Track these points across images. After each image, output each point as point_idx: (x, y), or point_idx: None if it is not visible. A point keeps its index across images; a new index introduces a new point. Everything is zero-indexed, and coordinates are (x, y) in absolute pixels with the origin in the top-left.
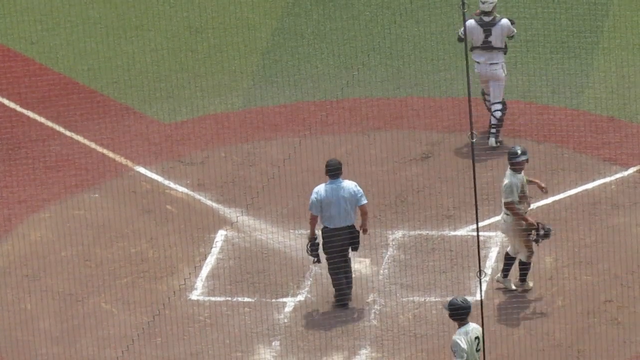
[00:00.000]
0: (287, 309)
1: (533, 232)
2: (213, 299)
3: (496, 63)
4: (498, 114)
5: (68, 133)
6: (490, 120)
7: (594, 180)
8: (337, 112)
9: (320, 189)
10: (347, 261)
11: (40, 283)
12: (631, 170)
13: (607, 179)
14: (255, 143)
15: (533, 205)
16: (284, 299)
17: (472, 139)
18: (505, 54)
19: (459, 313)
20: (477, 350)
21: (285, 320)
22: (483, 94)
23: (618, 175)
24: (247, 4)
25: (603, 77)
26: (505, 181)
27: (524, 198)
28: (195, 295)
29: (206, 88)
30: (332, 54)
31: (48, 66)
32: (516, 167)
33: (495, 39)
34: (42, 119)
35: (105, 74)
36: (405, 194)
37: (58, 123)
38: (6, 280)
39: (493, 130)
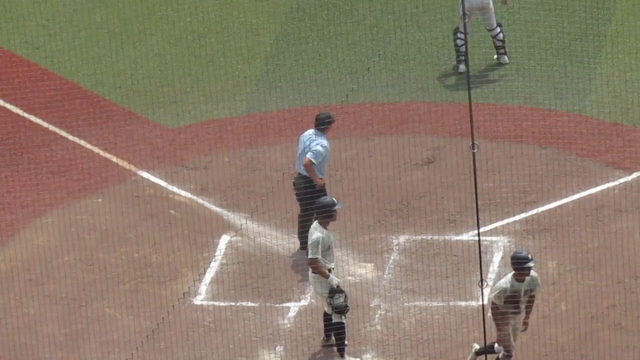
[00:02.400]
0: (291, 314)
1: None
2: (217, 303)
3: None
4: (500, 36)
5: (71, 138)
6: (494, 42)
7: (597, 185)
8: (340, 117)
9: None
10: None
11: (44, 288)
12: (634, 175)
13: (611, 184)
14: (258, 148)
15: (535, 210)
16: (288, 304)
17: (474, 149)
18: None
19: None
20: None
21: (289, 325)
22: (455, 32)
23: (621, 180)
24: (250, 9)
25: (606, 82)
26: (313, 236)
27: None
28: (198, 300)
29: (210, 93)
30: (336, 59)
31: (52, 71)
32: (324, 221)
33: None
34: (45, 124)
35: (109, 79)
36: (408, 199)
37: (62, 128)
38: (10, 285)
39: (501, 51)
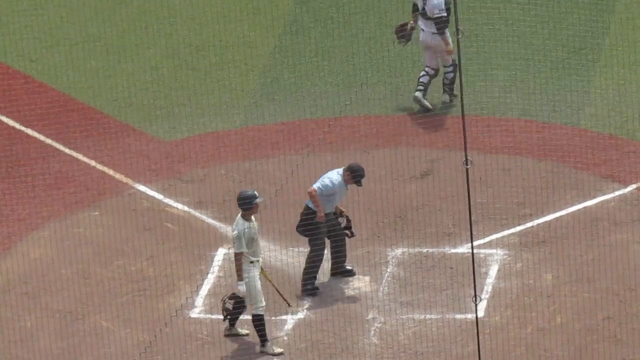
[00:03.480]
0: (287, 326)
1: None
2: (213, 316)
3: (434, 32)
4: (450, 76)
5: (68, 151)
6: (443, 80)
7: (593, 197)
8: (336, 130)
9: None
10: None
11: (40, 301)
12: (631, 188)
13: (607, 197)
14: (255, 161)
15: (531, 223)
16: (284, 317)
17: (467, 165)
18: (440, 27)
19: None
20: None
21: (285, 338)
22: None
23: (618, 193)
24: (247, 22)
25: (603, 95)
26: (235, 231)
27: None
28: (195, 313)
29: (206, 106)
30: (332, 72)
31: (48, 84)
32: (246, 214)
33: (429, 10)
34: (41, 137)
35: (105, 92)
36: (404, 212)
37: (58, 141)
38: (6, 298)
39: (446, 89)
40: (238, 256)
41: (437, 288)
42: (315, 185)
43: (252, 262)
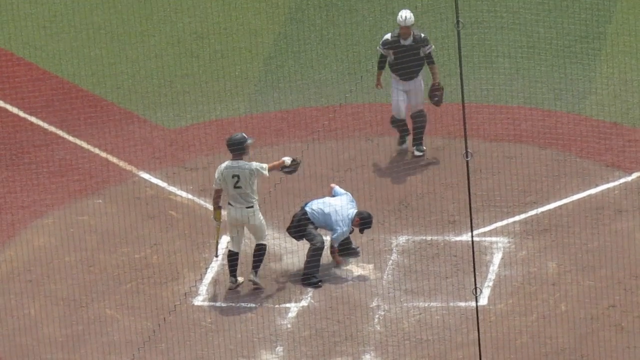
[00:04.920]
0: (291, 315)
1: None
2: (217, 304)
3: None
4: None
5: (71, 139)
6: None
7: (597, 185)
8: (340, 118)
9: None
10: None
11: (44, 289)
12: (634, 176)
13: (611, 185)
14: (258, 149)
15: (535, 211)
16: (288, 305)
17: (467, 158)
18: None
19: None
20: None
21: (289, 326)
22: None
23: (621, 181)
24: (250, 9)
25: (606, 83)
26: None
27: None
28: (199, 301)
29: (210, 94)
30: (336, 59)
31: (52, 72)
32: (237, 155)
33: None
34: (45, 125)
35: (109, 80)
36: (408, 199)
37: (62, 128)
38: (10, 286)
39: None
40: (215, 192)
41: (441, 276)
42: (335, 243)
43: (229, 204)
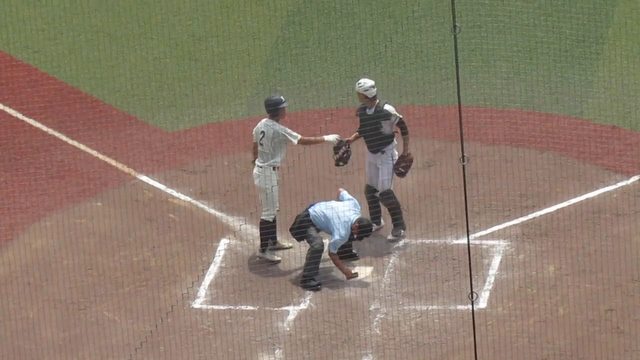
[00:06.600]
0: (290, 317)
1: None
2: (216, 307)
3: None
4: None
5: (71, 141)
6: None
7: (596, 189)
8: (339, 121)
9: None
10: None
11: (43, 291)
12: (633, 179)
13: (610, 188)
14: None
15: (534, 214)
16: (287, 308)
17: (464, 162)
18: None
19: None
20: None
21: (288, 329)
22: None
23: (620, 184)
24: (249, 12)
25: (605, 86)
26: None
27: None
28: (198, 304)
29: (209, 96)
30: (335, 62)
31: (51, 75)
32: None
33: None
34: (44, 128)
35: (108, 83)
36: (407, 202)
37: (61, 131)
38: (8, 289)
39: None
40: (253, 145)
41: (440, 279)
42: (332, 248)
43: (274, 168)
